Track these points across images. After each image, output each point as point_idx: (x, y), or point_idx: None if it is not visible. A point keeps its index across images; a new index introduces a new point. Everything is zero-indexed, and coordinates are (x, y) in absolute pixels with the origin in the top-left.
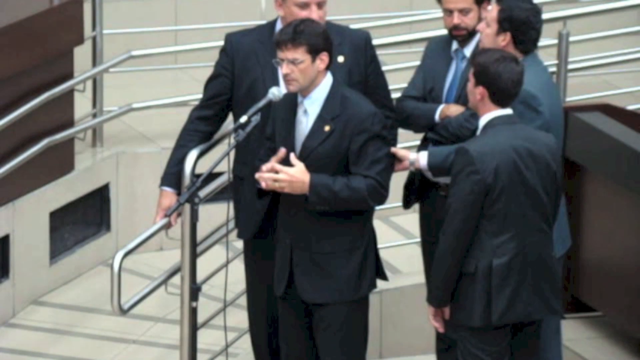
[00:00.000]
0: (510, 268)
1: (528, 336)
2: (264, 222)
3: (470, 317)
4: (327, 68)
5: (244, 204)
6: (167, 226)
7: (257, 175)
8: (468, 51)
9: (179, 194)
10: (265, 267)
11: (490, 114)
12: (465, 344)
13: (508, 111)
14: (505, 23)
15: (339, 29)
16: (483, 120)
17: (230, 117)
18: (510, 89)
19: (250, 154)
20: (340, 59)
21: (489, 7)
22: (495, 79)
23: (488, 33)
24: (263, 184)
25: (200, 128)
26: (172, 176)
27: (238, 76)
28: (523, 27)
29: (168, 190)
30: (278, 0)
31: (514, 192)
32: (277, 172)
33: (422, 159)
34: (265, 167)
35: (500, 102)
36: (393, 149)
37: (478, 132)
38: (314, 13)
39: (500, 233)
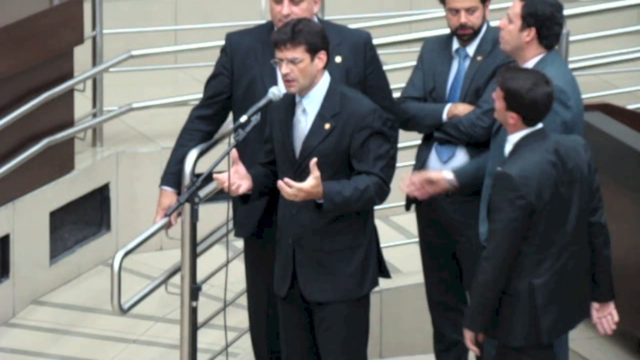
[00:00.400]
0: (552, 286)
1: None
2: (262, 220)
3: (512, 336)
4: (325, 67)
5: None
6: (167, 226)
7: (279, 185)
8: (471, 50)
9: (179, 193)
10: (265, 267)
11: (521, 132)
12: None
13: (538, 126)
14: (530, 18)
15: (339, 29)
16: (514, 138)
17: (230, 116)
18: (544, 113)
19: (249, 153)
20: (338, 59)
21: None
22: (531, 106)
23: (511, 29)
24: (284, 189)
25: (201, 127)
26: (172, 176)
27: (237, 75)
28: (548, 23)
29: (168, 189)
30: None
31: (554, 210)
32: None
33: (447, 175)
34: (290, 182)
35: (533, 124)
36: (426, 175)
37: (507, 149)
38: (285, 8)
39: (540, 252)
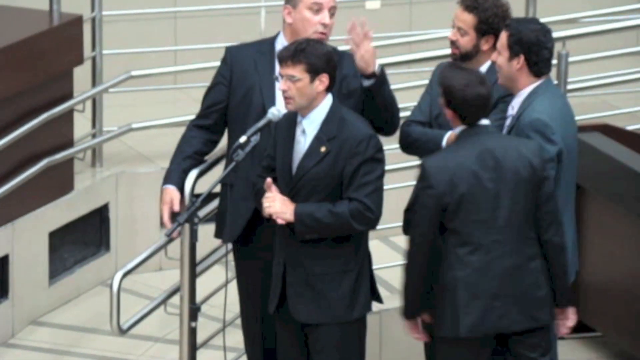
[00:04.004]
0: (477, 281)
1: (525, 349)
2: (247, 229)
3: (439, 326)
4: (329, 90)
5: (230, 207)
6: (174, 235)
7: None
8: None
9: (180, 189)
10: (254, 283)
11: (459, 128)
12: (440, 357)
13: (483, 122)
14: (516, 46)
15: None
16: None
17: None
18: (477, 112)
19: (242, 162)
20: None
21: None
22: (462, 104)
23: (501, 61)
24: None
25: (199, 135)
26: (172, 173)
27: (235, 83)
28: (535, 48)
29: (169, 187)
30: (288, 7)
31: (476, 206)
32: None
33: None
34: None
35: (470, 122)
36: None
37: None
38: (326, 18)
39: (463, 246)
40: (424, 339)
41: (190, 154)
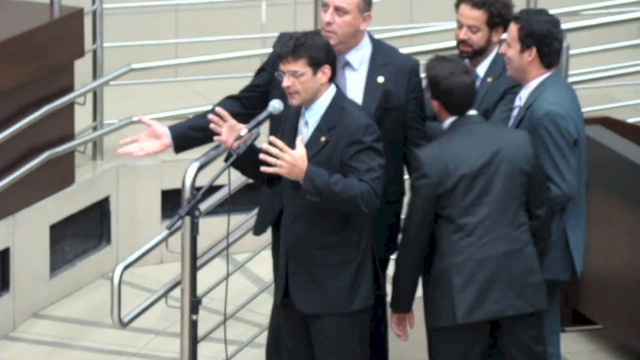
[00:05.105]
0: (471, 267)
1: (518, 336)
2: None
3: (435, 318)
4: (331, 81)
5: (262, 201)
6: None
7: (262, 156)
8: (481, 70)
9: (174, 133)
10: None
11: (448, 120)
12: (435, 349)
13: (471, 112)
14: (528, 39)
15: (388, 51)
16: (444, 126)
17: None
18: (463, 102)
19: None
20: (381, 79)
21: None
22: (447, 94)
23: (512, 54)
24: (267, 158)
25: (228, 102)
26: (180, 124)
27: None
28: (547, 40)
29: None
30: None
31: (470, 190)
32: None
33: None
34: (277, 142)
35: (456, 113)
36: None
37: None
38: (328, 16)
39: (457, 233)
40: (405, 339)
41: (209, 111)
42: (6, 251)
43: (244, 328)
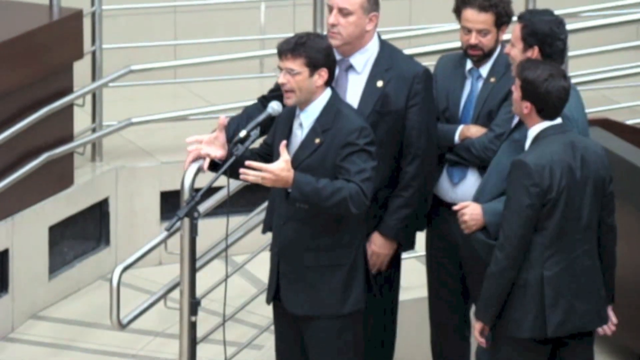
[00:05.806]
0: (562, 280)
1: (579, 351)
2: None
3: (519, 328)
4: (328, 84)
5: (270, 200)
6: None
7: (242, 171)
8: (484, 71)
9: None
10: None
11: (539, 125)
12: (507, 357)
13: (557, 121)
14: (530, 38)
15: (393, 55)
16: (533, 132)
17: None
18: (558, 107)
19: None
20: (380, 83)
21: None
22: (545, 97)
23: (515, 53)
24: (247, 178)
25: (259, 106)
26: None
27: None
28: (549, 39)
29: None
30: None
31: (569, 203)
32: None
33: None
34: (253, 164)
35: (548, 117)
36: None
37: (528, 143)
38: (332, 17)
39: (551, 245)
40: (486, 345)
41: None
42: (5, 252)
43: (243, 329)
